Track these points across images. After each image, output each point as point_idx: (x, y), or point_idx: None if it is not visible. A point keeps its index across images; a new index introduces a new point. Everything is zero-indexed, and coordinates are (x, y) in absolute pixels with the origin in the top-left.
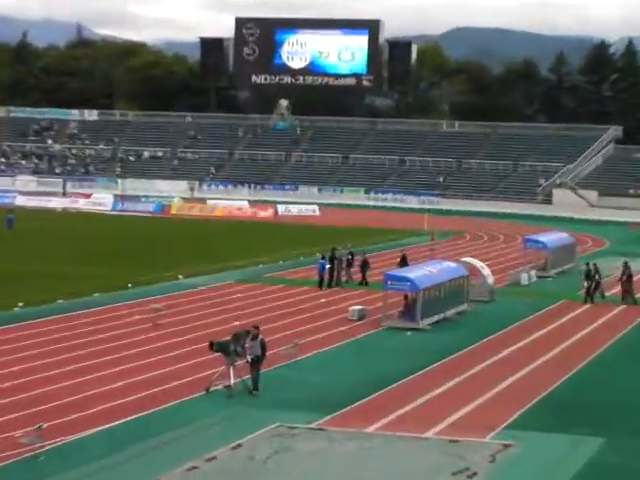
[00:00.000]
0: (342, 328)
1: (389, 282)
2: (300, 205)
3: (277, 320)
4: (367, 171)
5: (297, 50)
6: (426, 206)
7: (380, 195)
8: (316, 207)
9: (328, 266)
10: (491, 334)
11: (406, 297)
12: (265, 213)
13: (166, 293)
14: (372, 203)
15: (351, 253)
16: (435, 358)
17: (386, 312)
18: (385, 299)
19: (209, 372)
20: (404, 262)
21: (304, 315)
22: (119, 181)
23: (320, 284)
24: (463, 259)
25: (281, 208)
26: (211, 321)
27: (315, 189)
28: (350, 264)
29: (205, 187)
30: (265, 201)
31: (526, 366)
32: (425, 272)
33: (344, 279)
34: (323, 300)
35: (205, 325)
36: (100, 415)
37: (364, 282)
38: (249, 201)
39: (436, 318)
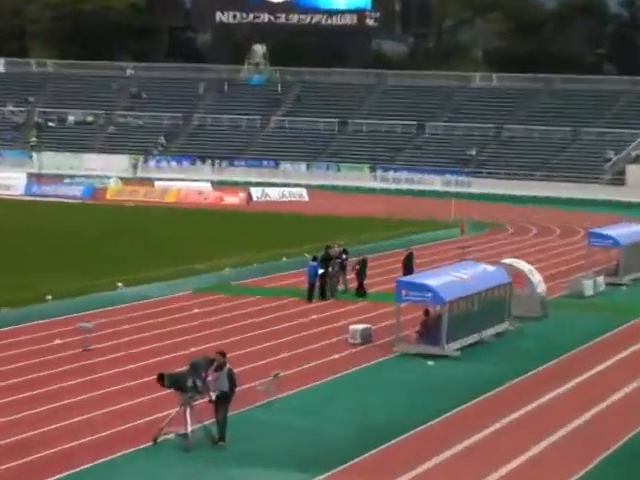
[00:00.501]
0: (339, 355)
1: (403, 292)
2: (282, 188)
3: (251, 344)
4: (373, 142)
5: None
6: (453, 189)
7: (390, 174)
8: (303, 190)
9: (321, 271)
10: (542, 364)
11: (427, 313)
12: (234, 199)
13: (100, 307)
14: (379, 185)
15: (345, 251)
16: (465, 397)
17: (399, 333)
18: (398, 315)
19: (158, 415)
20: (409, 264)
21: (288, 337)
22: (34, 155)
23: (310, 295)
24: (504, 260)
25: (256, 192)
26: (161, 346)
27: (302, 166)
28: (344, 267)
29: (152, 163)
30: (235, 183)
31: (589, 409)
32: (452, 278)
33: (340, 288)
34: (314, 316)
35: (152, 351)
36: (6, 476)
37: (361, 292)
38: (212, 182)
39: (467, 341)
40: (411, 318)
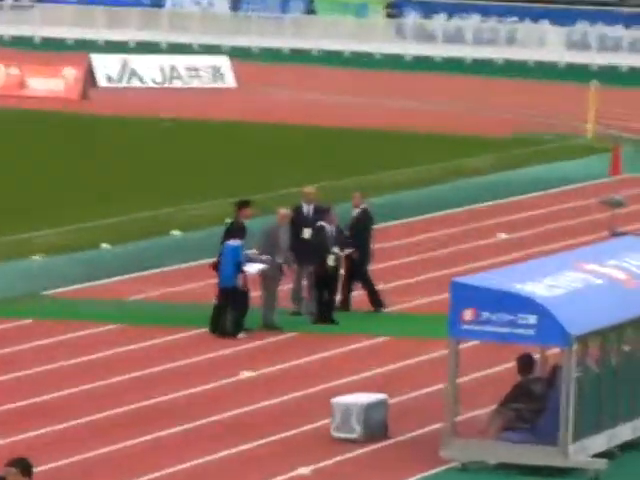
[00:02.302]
0: (310, 468)
1: (467, 314)
2: (170, 56)
3: (102, 441)
4: None
5: None
6: (591, 60)
7: (437, 20)
8: (224, 61)
9: (254, 267)
10: None
11: (525, 366)
12: (55, 83)
13: None
14: (410, 49)
15: (322, 210)
16: None
17: (455, 413)
18: (452, 370)
19: None
20: (361, 234)
21: (189, 424)
22: None
23: (216, 319)
24: None
25: (105, 65)
26: None
27: (222, 3)
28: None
29: None
30: (53, 43)
31: None
32: (588, 282)
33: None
34: (247, 373)
35: None
36: None
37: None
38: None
39: (624, 435)
40: (481, 378)
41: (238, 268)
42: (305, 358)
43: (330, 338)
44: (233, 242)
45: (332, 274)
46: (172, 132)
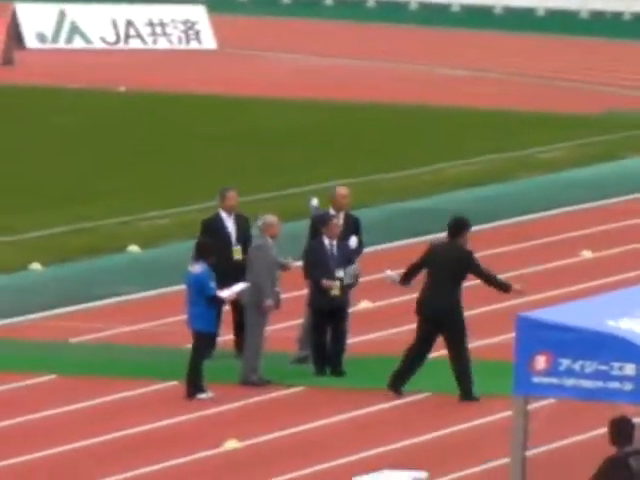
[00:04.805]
0: None
1: (541, 361)
2: (126, 5)
3: None
4: None
5: None
6: None
7: None
8: (201, 11)
9: (230, 292)
10: None
11: (621, 433)
12: None
13: None
14: None
15: (322, 219)
16: None
17: None
18: (519, 436)
19: None
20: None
21: None
22: None
23: (195, 376)
24: None
25: (33, 17)
26: None
27: None
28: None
29: None
30: None
31: None
32: None
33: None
34: (235, 443)
35: None
36: None
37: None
38: None
39: None
40: (558, 449)
41: (215, 301)
42: (312, 423)
43: (341, 395)
44: (194, 268)
45: (338, 307)
46: (127, 108)
